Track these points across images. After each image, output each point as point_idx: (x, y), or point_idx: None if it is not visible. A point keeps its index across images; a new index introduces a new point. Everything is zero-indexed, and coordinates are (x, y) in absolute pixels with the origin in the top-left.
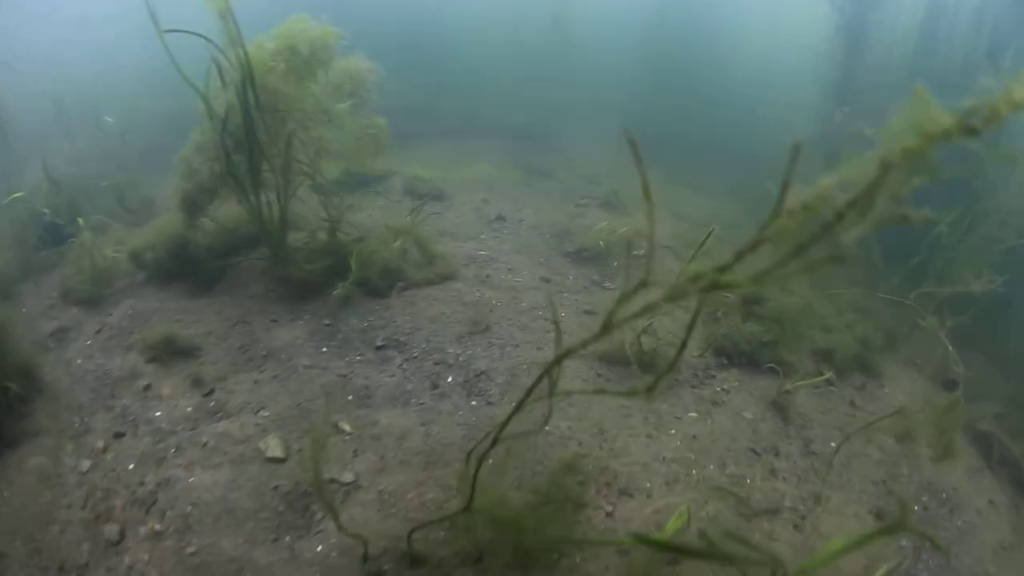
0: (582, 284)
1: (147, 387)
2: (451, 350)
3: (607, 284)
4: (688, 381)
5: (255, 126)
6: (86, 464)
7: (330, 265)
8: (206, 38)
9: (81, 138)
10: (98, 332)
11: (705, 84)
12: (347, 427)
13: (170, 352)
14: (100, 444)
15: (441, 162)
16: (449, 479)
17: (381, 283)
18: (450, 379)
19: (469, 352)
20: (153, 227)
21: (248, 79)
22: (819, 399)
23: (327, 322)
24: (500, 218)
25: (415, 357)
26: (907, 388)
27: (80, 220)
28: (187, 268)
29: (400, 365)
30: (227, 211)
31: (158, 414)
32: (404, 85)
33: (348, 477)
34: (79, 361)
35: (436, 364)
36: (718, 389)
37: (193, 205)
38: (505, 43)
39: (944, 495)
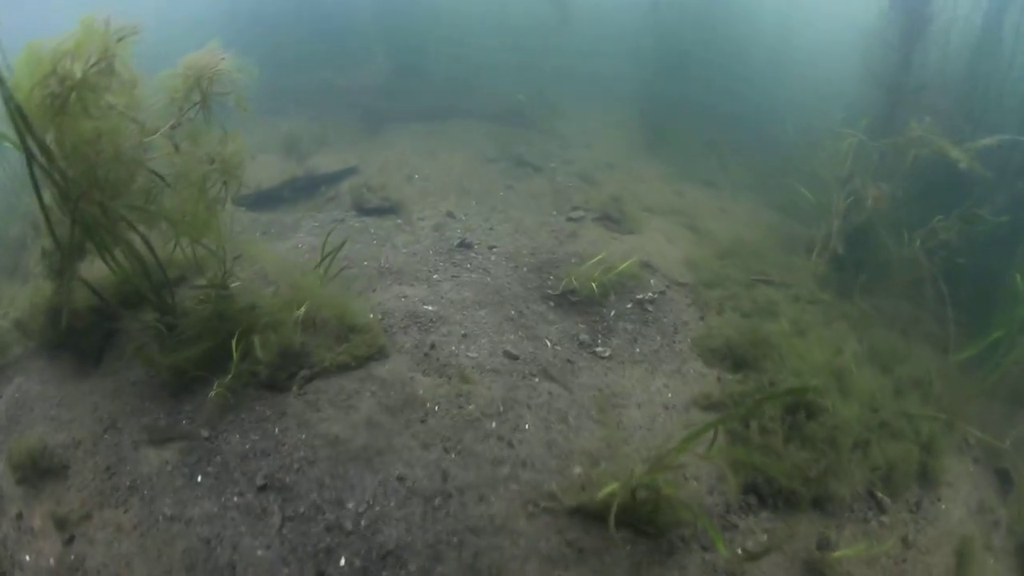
0: (565, 353)
1: (19, 515)
2: (351, 504)
3: (599, 348)
4: (697, 539)
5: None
6: None
7: (212, 348)
8: None
9: None
10: None
11: (725, 63)
12: None
13: (37, 473)
14: None
15: (412, 152)
16: None
17: (279, 372)
18: (343, 562)
19: (377, 508)
20: (29, 291)
21: (19, 120)
22: (866, 540)
23: (205, 434)
24: (465, 244)
25: (301, 514)
26: (965, 495)
27: None
28: (72, 337)
29: (280, 528)
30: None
31: (28, 559)
32: (379, 63)
33: None
34: None
35: (328, 530)
36: (739, 551)
37: (55, 265)
38: (493, 17)
39: None
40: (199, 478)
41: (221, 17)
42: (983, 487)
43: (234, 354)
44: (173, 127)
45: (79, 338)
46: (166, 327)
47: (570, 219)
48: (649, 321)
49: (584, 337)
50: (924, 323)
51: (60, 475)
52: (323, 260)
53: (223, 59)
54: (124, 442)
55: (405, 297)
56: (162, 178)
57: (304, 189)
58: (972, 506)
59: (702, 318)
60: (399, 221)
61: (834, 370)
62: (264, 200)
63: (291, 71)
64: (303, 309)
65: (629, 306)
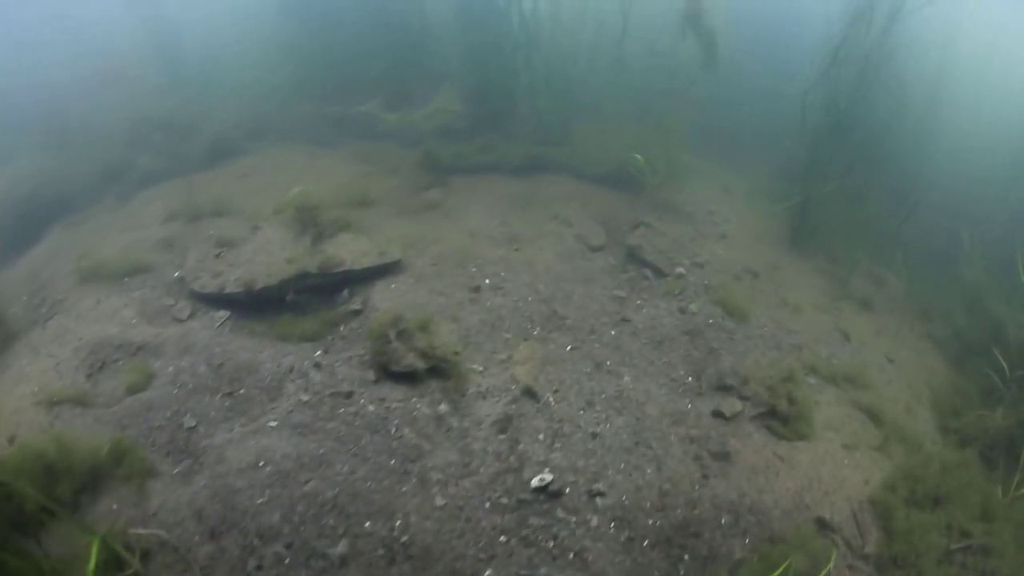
0: None
1: None
2: None
3: None
4: None
5: None
6: None
7: None
8: None
9: None
10: None
11: (891, 135)
12: None
13: None
14: None
15: (483, 233)
16: None
17: None
18: None
19: None
20: None
21: None
22: None
23: None
24: (550, 493)
25: None
26: None
27: None
28: None
29: None
30: None
31: None
32: (448, 92)
33: None
34: None
35: None
36: None
37: None
38: (609, 49)
39: None
40: None
41: (270, 16)
42: None
43: None
44: None
45: None
46: None
47: (718, 413)
48: None
49: None
50: None
51: None
52: None
53: None
54: None
55: None
56: None
57: (318, 290)
58: None
59: None
60: (443, 407)
61: None
62: (256, 306)
63: (331, 98)
64: None
65: None
